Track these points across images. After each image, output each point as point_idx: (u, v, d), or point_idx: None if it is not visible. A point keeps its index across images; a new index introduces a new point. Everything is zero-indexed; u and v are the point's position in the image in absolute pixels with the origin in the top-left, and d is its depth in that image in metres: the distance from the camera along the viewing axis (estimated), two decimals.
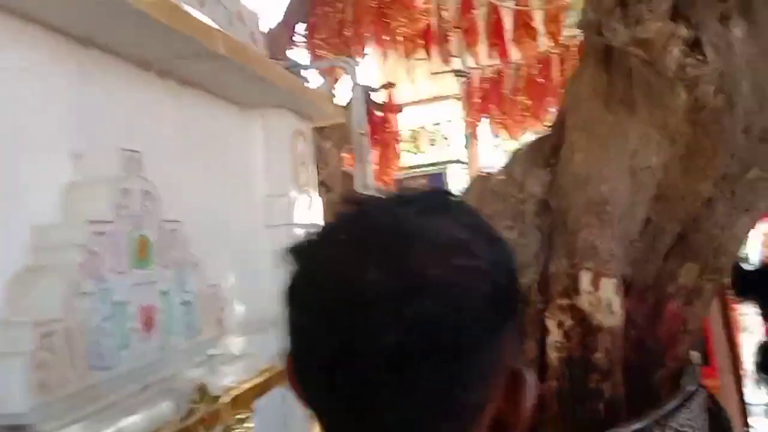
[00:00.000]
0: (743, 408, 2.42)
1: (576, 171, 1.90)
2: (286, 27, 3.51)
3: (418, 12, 3.67)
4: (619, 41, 1.70)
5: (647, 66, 1.72)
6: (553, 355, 1.79)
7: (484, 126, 5.42)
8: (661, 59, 1.65)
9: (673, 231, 1.85)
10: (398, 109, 4.84)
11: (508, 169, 2.08)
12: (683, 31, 1.66)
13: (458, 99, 5.79)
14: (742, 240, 1.87)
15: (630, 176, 1.85)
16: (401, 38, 4.33)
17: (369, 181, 2.38)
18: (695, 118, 1.75)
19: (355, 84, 2.06)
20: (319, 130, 2.64)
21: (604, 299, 1.77)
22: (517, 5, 3.80)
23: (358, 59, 3.66)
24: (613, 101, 1.89)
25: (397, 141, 5.01)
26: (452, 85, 6.07)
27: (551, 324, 1.81)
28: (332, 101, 2.00)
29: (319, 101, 1.69)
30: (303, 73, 2.59)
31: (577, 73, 2.04)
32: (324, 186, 2.79)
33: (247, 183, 1.54)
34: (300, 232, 1.72)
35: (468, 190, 2.22)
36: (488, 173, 2.18)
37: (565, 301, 1.81)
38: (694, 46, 1.68)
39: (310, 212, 1.69)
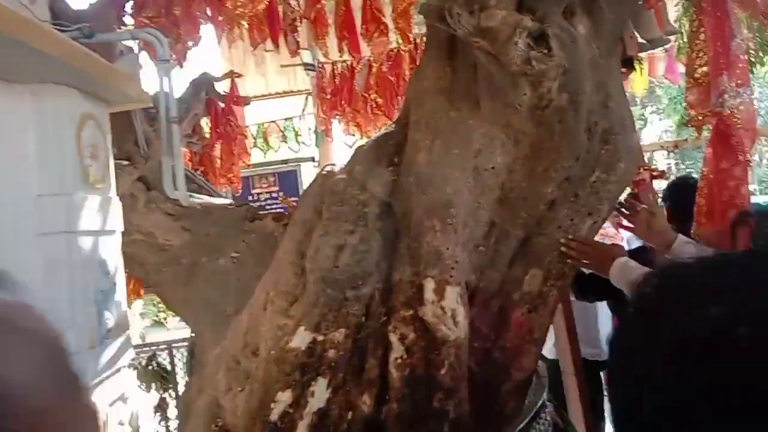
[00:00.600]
0: (587, 410, 2.43)
1: (419, 171, 1.75)
2: (112, 3, 3.07)
3: None
4: (463, 30, 1.55)
5: (491, 59, 1.60)
6: (395, 374, 1.62)
7: (336, 123, 5.24)
8: (505, 51, 1.53)
9: (518, 235, 1.76)
10: (244, 101, 4.51)
11: (349, 167, 1.88)
12: (529, 23, 1.55)
13: (310, 94, 5.56)
14: None
15: (474, 177, 1.73)
16: (244, 22, 4.01)
17: (179, 176, 2.07)
18: (539, 117, 1.67)
19: (161, 61, 1.76)
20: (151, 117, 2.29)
21: (449, 309, 1.64)
22: None
23: (191, 43, 3.30)
24: (456, 97, 1.77)
25: (244, 135, 4.67)
26: (304, 79, 5.83)
27: (394, 338, 1.64)
28: (136, 82, 1.68)
29: (117, 81, 1.38)
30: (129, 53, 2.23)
31: (421, 66, 1.90)
32: (143, 182, 2.43)
33: (12, 179, 1.20)
34: (87, 241, 1.40)
35: (309, 190, 2.00)
36: (330, 171, 1.97)
37: (408, 313, 1.65)
38: (540, 39, 1.59)
39: (102, 217, 1.37)
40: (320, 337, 1.62)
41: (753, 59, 2.09)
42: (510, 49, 1.54)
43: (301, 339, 1.62)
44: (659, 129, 18.13)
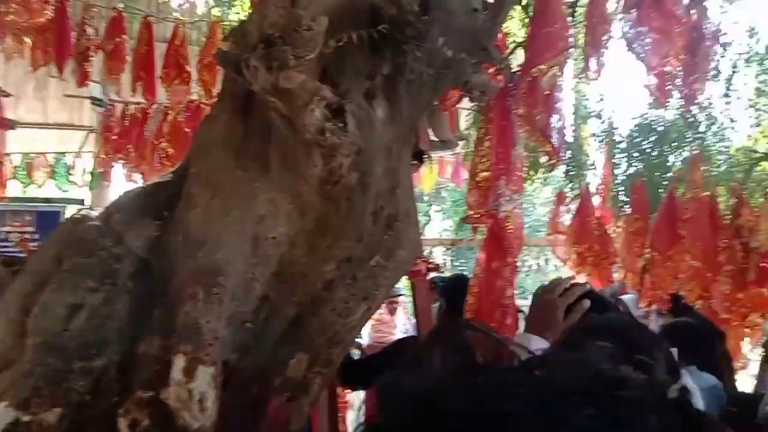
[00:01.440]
0: None
1: (190, 230, 1.55)
2: None
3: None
4: (260, 86, 1.44)
5: (286, 122, 1.50)
6: None
7: (118, 168, 4.77)
8: (301, 117, 1.44)
9: (290, 314, 1.63)
10: (8, 124, 3.91)
11: (107, 213, 1.62)
12: (328, 94, 1.49)
13: (94, 131, 5.04)
14: (358, 330, 1.73)
15: (252, 245, 1.58)
16: (28, 38, 3.53)
17: None
18: (328, 192, 1.59)
19: None
20: None
21: (198, 393, 1.42)
22: (172, 41, 3.43)
23: None
24: (246, 155, 1.63)
25: (0, 163, 4.02)
26: (90, 114, 5.29)
27: (123, 424, 1.37)
28: None
29: None
30: None
31: (212, 116, 1.74)
32: None
33: None
34: None
35: (53, 234, 1.68)
36: (84, 215, 1.68)
37: (147, 394, 1.39)
38: (337, 113, 1.53)
39: None
40: (25, 418, 1.29)
41: (525, 175, 2.28)
42: (306, 115, 1.45)
43: None
44: (440, 227, 19.74)
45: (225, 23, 5.22)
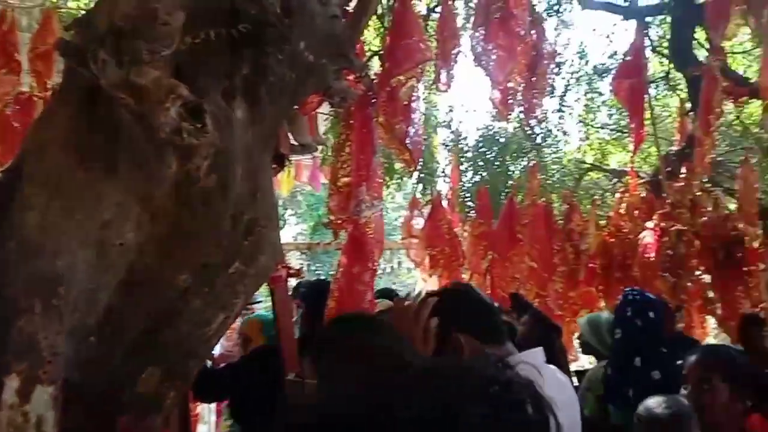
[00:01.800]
0: None
1: (26, 236, 1.40)
2: None
3: None
4: (108, 80, 1.34)
5: (137, 120, 1.41)
6: None
7: None
8: (155, 115, 1.36)
9: (141, 325, 1.52)
10: None
11: None
12: (185, 92, 1.42)
13: None
14: (215, 341, 1.66)
15: (97, 252, 1.46)
16: None
17: None
18: (184, 196, 1.51)
19: None
20: None
21: (34, 416, 1.28)
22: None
23: None
24: (89, 155, 1.50)
25: None
26: None
27: None
28: None
29: None
30: None
31: (50, 111, 1.59)
32: None
33: None
34: None
35: None
36: None
37: None
38: (195, 113, 1.46)
39: None
40: None
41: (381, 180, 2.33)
42: (160, 114, 1.37)
43: None
44: (295, 231, 19.61)
45: (62, 10, 4.80)
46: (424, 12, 5.40)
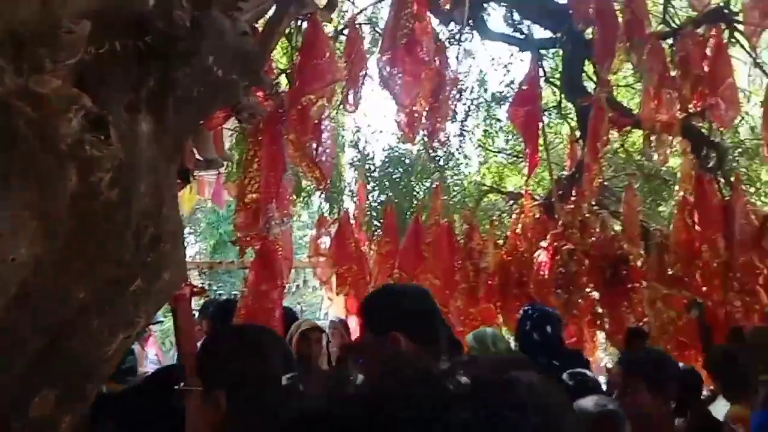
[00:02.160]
0: None
1: None
2: None
3: None
4: (6, 88, 1.28)
5: (35, 131, 1.35)
6: None
7: None
8: (55, 126, 1.31)
9: (35, 345, 1.44)
10: None
11: None
12: (88, 102, 1.37)
13: None
14: (114, 361, 1.60)
15: None
16: None
17: None
18: (85, 210, 1.45)
19: None
20: None
21: None
22: None
23: None
24: None
25: None
26: None
27: None
28: None
29: None
30: None
31: None
32: None
33: None
34: None
35: None
36: None
37: None
38: (98, 125, 1.42)
39: None
40: None
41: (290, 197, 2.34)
42: (61, 125, 1.32)
43: None
44: (194, 250, 18.97)
45: None
46: (331, 33, 5.47)
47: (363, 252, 5.55)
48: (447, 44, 6.18)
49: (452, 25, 5.91)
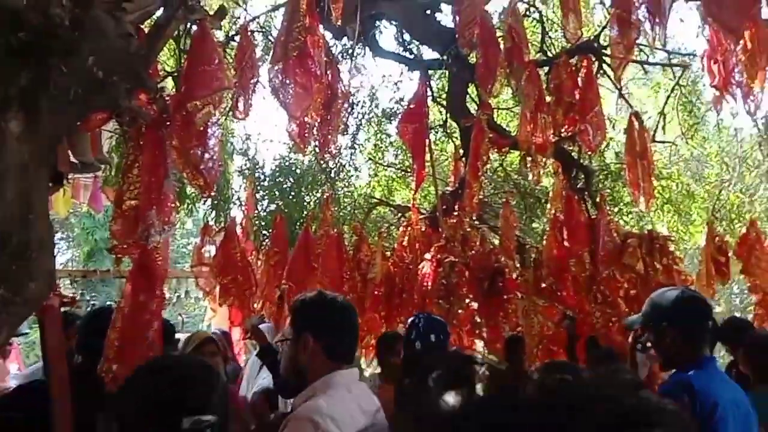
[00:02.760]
0: None
1: None
2: None
3: None
4: None
5: None
6: None
7: None
8: None
9: None
10: None
11: None
12: None
13: None
14: None
15: None
16: None
17: None
18: None
19: None
20: None
21: None
22: None
23: None
24: None
25: None
26: None
27: None
28: None
29: None
30: None
31: None
32: None
33: None
34: None
35: None
36: None
37: None
38: None
39: None
40: None
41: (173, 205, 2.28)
42: None
43: None
44: (66, 257, 17.73)
45: None
46: (222, 39, 5.38)
47: (249, 262, 5.45)
48: (340, 59, 6.26)
49: (345, 40, 6.00)
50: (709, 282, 5.21)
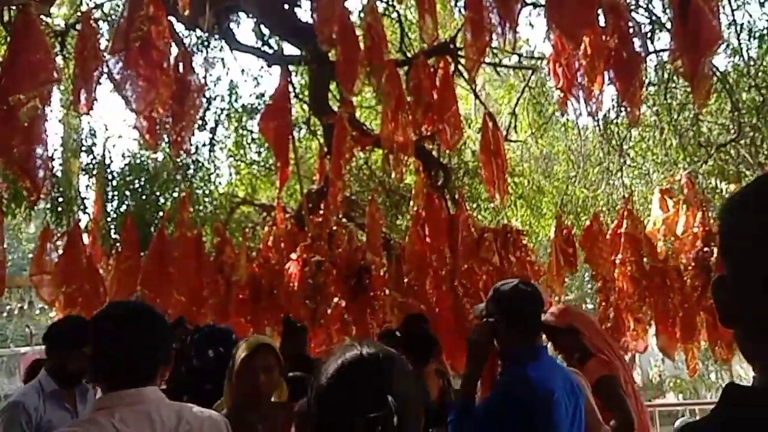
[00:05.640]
0: None
1: None
2: None
3: None
4: None
5: None
6: None
7: None
8: None
9: None
10: None
11: None
12: None
13: None
14: None
15: None
16: None
17: None
18: None
19: None
20: None
21: None
22: None
23: None
24: None
25: None
26: None
27: None
28: None
29: None
30: None
31: None
32: None
33: None
34: None
35: None
36: None
37: None
38: None
39: None
40: None
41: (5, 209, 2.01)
42: None
43: None
44: None
45: None
46: (62, 27, 4.92)
47: (97, 269, 5.04)
48: (193, 50, 5.97)
49: (201, 32, 5.72)
50: (558, 271, 5.57)
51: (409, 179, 6.54)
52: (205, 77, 5.80)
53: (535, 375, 2.05)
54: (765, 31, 5.56)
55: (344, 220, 6.46)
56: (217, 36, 5.57)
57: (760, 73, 5.59)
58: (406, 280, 4.84)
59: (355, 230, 6.30)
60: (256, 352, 2.23)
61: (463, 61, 5.33)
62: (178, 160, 6.87)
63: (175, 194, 7.55)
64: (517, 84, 7.17)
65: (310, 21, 5.09)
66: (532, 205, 7.80)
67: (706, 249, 4.07)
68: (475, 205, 7.56)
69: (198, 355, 2.78)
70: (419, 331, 3.86)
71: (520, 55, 6.29)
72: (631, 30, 4.31)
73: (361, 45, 4.58)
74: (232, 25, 5.79)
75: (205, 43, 5.93)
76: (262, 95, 7.80)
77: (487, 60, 5.38)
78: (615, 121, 6.24)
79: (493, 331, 2.21)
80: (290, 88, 5.98)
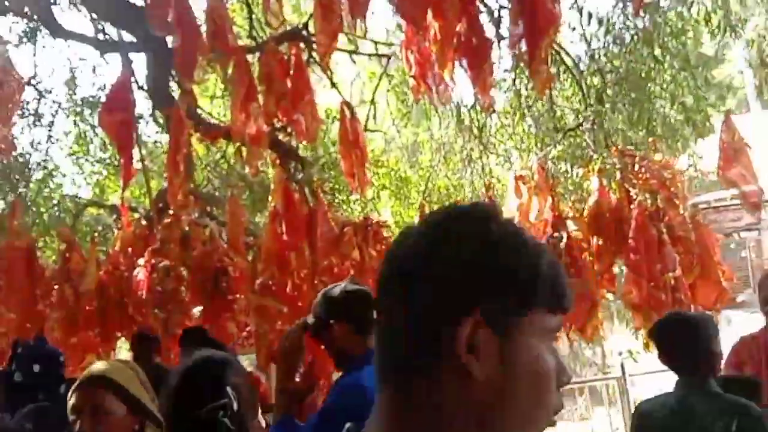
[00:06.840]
0: None
1: None
2: None
3: None
4: None
5: None
6: None
7: None
8: None
9: None
10: None
11: None
12: None
13: None
14: None
15: None
16: None
17: None
18: None
19: None
20: None
21: None
22: None
23: None
24: None
25: None
26: None
27: None
28: None
29: None
30: None
31: None
32: None
33: None
34: None
35: None
36: None
37: None
38: None
39: None
40: None
41: None
42: None
43: None
44: None
45: None
46: None
47: None
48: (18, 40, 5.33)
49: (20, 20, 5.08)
50: None
51: (271, 173, 6.24)
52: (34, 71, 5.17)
53: (370, 383, 1.91)
54: (607, 16, 5.80)
55: (208, 218, 6.08)
56: (37, 23, 4.95)
57: (603, 58, 5.84)
58: (260, 280, 4.57)
59: (217, 229, 5.92)
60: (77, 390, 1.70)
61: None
62: (7, 162, 6.11)
63: (9, 200, 6.72)
64: (379, 72, 7.06)
65: (140, 3, 4.65)
66: (400, 195, 7.76)
67: (555, 234, 4.16)
68: (342, 198, 7.39)
69: (22, 370, 2.71)
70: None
71: (375, 42, 6.17)
72: (480, 15, 4.30)
73: (203, 30, 4.25)
74: (56, 10, 5.18)
75: (30, 34, 5.27)
76: (104, 87, 7.11)
77: (343, 47, 5.20)
78: (474, 108, 6.30)
79: (319, 338, 2.05)
80: (132, 79, 5.47)
